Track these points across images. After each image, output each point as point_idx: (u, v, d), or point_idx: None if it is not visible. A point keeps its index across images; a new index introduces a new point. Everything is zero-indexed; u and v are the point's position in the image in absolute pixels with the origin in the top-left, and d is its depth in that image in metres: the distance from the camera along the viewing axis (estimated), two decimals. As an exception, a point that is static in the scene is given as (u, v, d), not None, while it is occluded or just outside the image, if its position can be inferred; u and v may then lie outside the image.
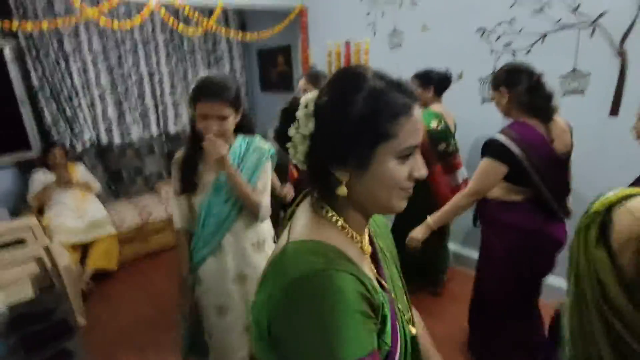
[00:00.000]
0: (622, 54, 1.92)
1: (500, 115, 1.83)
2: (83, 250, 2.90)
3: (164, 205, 3.41)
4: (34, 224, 2.62)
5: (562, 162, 1.57)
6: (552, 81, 2.16)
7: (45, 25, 2.23)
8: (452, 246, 2.87)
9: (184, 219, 1.42)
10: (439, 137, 2.16)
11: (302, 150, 0.59)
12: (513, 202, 1.61)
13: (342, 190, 0.58)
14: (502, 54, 2.35)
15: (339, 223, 0.61)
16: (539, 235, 1.58)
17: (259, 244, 1.48)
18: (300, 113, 0.59)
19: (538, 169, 1.49)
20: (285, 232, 0.63)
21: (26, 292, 2.03)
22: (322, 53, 3.50)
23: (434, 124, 2.16)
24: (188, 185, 1.37)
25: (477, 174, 1.57)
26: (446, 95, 2.67)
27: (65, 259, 2.40)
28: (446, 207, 1.68)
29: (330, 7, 3.31)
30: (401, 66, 2.91)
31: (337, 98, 0.57)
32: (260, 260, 1.47)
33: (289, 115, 0.62)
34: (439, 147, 2.17)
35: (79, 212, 2.97)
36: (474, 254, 2.71)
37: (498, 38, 2.35)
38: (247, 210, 1.40)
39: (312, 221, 0.61)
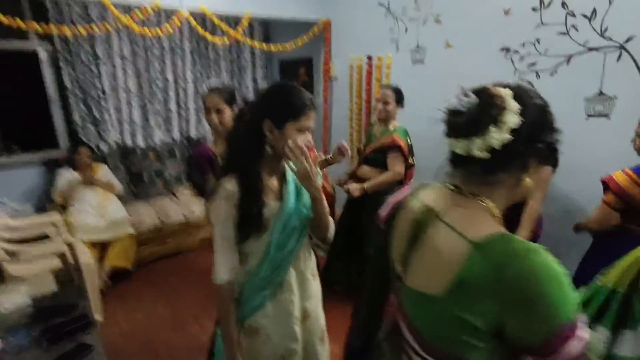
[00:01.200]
0: (649, 79, 1.90)
1: None
2: (102, 248, 2.97)
3: (181, 208, 3.48)
4: (58, 220, 2.72)
5: None
6: (577, 103, 2.16)
7: (81, 30, 2.34)
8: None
9: (234, 270, 1.10)
10: (411, 152, 2.46)
11: (498, 139, 0.64)
12: None
13: (528, 182, 0.69)
14: (525, 74, 2.35)
15: (495, 213, 0.69)
16: None
17: (314, 271, 1.27)
18: (507, 105, 0.65)
19: None
20: (452, 235, 0.68)
21: (49, 285, 2.09)
22: (343, 66, 3.55)
23: (408, 140, 2.43)
24: (252, 228, 1.08)
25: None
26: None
27: (86, 256, 2.46)
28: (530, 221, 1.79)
29: (354, 21, 3.37)
30: (423, 82, 2.94)
31: (540, 107, 0.70)
32: (317, 289, 1.28)
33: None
34: (410, 161, 2.46)
35: (100, 211, 3.05)
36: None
37: (522, 58, 2.35)
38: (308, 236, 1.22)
39: (477, 216, 0.69)
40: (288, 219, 1.12)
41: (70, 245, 2.27)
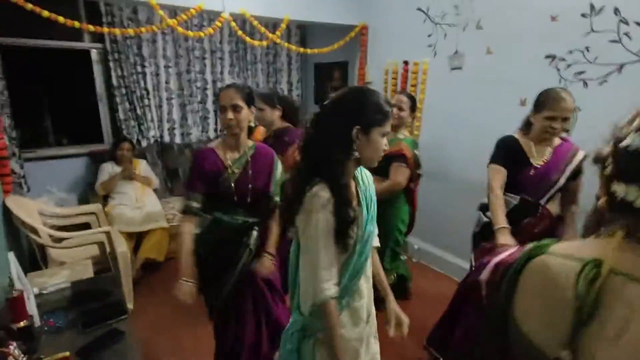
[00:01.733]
0: None
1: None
2: (137, 239, 3.10)
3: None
4: (99, 210, 2.86)
5: None
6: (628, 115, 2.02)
7: (131, 31, 2.47)
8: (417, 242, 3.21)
9: (337, 284, 1.06)
10: (418, 163, 2.44)
11: None
12: None
13: None
14: (572, 82, 2.24)
15: None
16: None
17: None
18: None
19: None
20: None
21: (87, 271, 2.20)
22: (379, 70, 3.52)
23: (417, 151, 2.41)
24: (349, 237, 1.05)
25: None
26: (506, 123, 2.58)
27: (122, 246, 2.58)
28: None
29: (391, 26, 3.34)
30: (461, 89, 2.86)
31: None
32: (371, 287, 1.25)
33: None
34: (419, 170, 2.47)
35: (138, 204, 3.19)
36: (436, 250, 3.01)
37: (569, 66, 2.24)
38: None
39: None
40: (366, 224, 1.12)
41: (108, 235, 2.39)
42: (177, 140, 3.91)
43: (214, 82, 4.03)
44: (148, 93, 3.62)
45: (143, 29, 2.54)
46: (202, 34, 2.73)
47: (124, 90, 3.51)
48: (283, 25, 3.06)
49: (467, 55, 2.79)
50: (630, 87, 2.01)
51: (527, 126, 1.90)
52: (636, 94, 1.97)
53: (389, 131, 1.11)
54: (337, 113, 1.07)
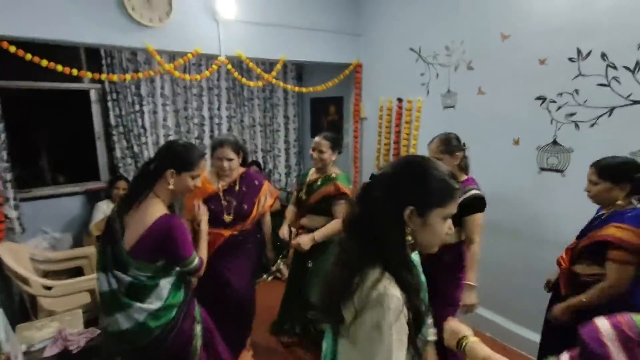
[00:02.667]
0: (703, 136, 1.77)
1: (558, 184, 1.76)
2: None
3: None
4: (92, 253, 2.82)
5: None
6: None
7: (128, 77, 2.51)
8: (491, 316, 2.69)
9: None
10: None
11: None
12: None
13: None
14: (563, 124, 2.27)
15: None
16: None
17: None
18: None
19: None
20: None
21: (77, 322, 2.14)
22: (374, 107, 3.57)
23: (350, 186, 2.40)
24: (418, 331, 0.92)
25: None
26: (500, 162, 2.60)
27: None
28: (474, 264, 1.95)
29: (385, 64, 3.41)
30: (454, 127, 2.89)
31: None
32: None
33: None
34: None
35: (132, 244, 3.15)
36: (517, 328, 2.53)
37: (559, 108, 2.27)
38: None
39: None
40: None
41: (101, 280, 2.34)
42: (174, 176, 3.91)
43: (210, 118, 4.07)
44: (145, 131, 3.65)
45: (140, 75, 2.59)
46: (198, 77, 2.78)
47: (121, 129, 3.53)
48: (278, 66, 3.12)
49: (460, 94, 2.84)
50: (621, 129, 2.03)
51: None
52: (627, 136, 2.00)
53: (454, 212, 0.92)
54: (388, 188, 0.89)
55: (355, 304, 0.83)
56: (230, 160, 2.12)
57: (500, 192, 2.62)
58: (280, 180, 4.67)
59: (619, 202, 1.58)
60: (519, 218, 2.52)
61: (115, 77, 2.49)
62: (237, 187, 2.23)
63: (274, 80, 3.16)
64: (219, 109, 4.09)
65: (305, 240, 2.22)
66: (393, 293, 0.81)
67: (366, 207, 0.91)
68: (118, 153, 3.55)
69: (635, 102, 1.97)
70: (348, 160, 3.99)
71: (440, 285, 1.70)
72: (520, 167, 2.50)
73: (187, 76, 2.76)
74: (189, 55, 2.64)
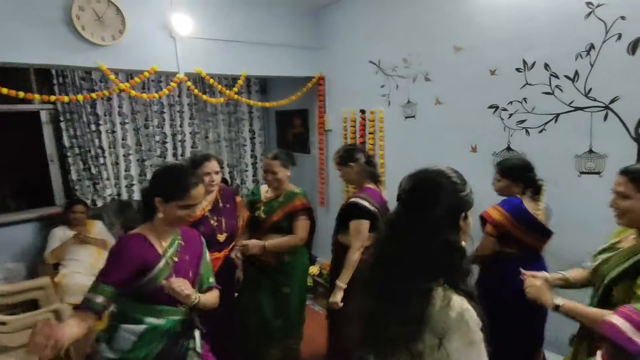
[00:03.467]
0: (638, 139, 1.91)
1: None
2: (92, 310, 2.88)
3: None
4: (47, 284, 2.66)
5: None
6: (567, 160, 2.16)
7: (80, 98, 2.41)
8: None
9: None
10: None
11: None
12: None
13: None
14: (515, 131, 2.38)
15: None
16: None
17: None
18: None
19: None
20: None
21: (34, 358, 2.00)
22: (338, 119, 3.62)
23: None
24: None
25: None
26: (460, 168, 2.68)
27: (73, 323, 2.37)
28: (347, 268, 2.05)
29: (346, 77, 3.47)
30: (415, 136, 2.98)
31: None
32: None
33: None
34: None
35: (93, 271, 2.98)
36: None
37: (511, 115, 2.39)
38: None
39: None
40: None
41: (57, 313, 2.21)
42: (136, 196, 3.77)
43: (173, 135, 3.97)
44: (103, 151, 3.51)
45: (94, 95, 2.49)
46: (156, 96, 2.71)
47: (77, 150, 3.37)
48: (240, 82, 3.10)
49: (419, 104, 2.93)
50: (566, 134, 2.16)
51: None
52: (571, 140, 2.13)
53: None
54: (445, 199, 0.93)
55: (435, 330, 0.82)
56: (217, 173, 2.11)
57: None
58: (248, 194, 4.60)
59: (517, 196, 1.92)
60: (475, 223, 2.60)
61: (66, 99, 2.39)
62: (220, 204, 2.19)
63: (236, 96, 3.14)
64: (181, 125, 4.00)
65: (254, 243, 2.15)
66: (467, 306, 0.83)
67: (416, 223, 0.91)
68: (74, 175, 3.38)
69: (577, 109, 2.10)
70: (314, 172, 4.00)
71: None
72: (479, 173, 2.56)
73: (144, 95, 2.69)
74: (146, 73, 2.57)
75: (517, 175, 1.94)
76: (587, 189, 2.10)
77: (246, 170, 4.57)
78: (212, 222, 2.12)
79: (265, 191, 2.36)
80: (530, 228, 1.86)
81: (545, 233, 1.89)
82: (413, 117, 2.98)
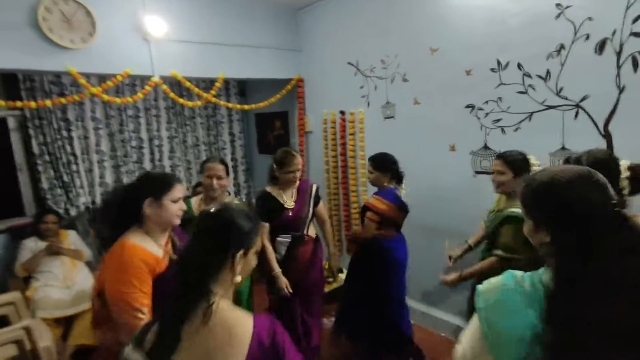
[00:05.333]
0: (606, 136, 1.98)
1: (490, 186, 2.04)
2: (66, 323, 2.77)
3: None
4: (17, 299, 2.54)
5: None
6: (541, 157, 2.21)
7: (49, 103, 2.32)
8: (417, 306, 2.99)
9: None
10: None
11: None
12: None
13: None
14: (491, 129, 2.43)
15: None
16: None
17: None
18: None
19: None
20: None
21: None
22: (318, 120, 3.61)
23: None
24: None
25: None
26: (439, 167, 2.73)
27: (46, 339, 2.27)
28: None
29: (325, 78, 3.47)
30: (395, 136, 3.00)
31: None
32: None
33: None
34: None
35: (67, 282, 2.88)
36: (440, 314, 2.91)
37: (487, 115, 2.43)
38: None
39: None
40: None
41: (28, 330, 2.10)
42: (112, 204, 3.65)
43: (150, 140, 3.87)
44: (76, 158, 3.38)
45: (63, 100, 2.40)
46: (131, 100, 2.64)
47: (47, 158, 3.24)
48: (217, 84, 3.05)
49: (398, 105, 2.95)
50: (540, 132, 2.22)
51: (273, 179, 2.40)
52: (545, 138, 2.18)
53: None
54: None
55: None
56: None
57: (439, 196, 2.75)
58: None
59: (385, 184, 2.39)
60: (456, 219, 2.64)
61: (33, 104, 2.28)
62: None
63: (213, 100, 3.09)
64: (158, 130, 3.91)
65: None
66: None
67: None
68: (45, 184, 3.25)
69: (549, 107, 2.16)
70: (297, 174, 3.97)
71: None
72: (457, 171, 2.64)
73: (118, 99, 2.60)
74: (119, 77, 2.49)
75: (385, 167, 2.38)
76: (561, 185, 2.16)
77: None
78: None
79: (197, 205, 2.20)
80: (404, 211, 2.43)
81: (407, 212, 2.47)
82: (392, 117, 3.00)
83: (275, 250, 2.36)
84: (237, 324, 0.94)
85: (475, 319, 0.91)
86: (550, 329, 0.76)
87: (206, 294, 0.95)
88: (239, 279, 1.02)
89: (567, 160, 1.50)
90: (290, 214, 2.34)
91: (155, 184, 1.41)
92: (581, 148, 2.06)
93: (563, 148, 2.14)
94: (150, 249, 1.38)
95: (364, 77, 3.13)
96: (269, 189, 2.40)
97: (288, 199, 2.36)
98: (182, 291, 0.97)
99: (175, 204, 1.42)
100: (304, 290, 2.37)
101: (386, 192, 2.36)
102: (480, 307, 0.88)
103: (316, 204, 2.45)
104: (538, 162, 1.92)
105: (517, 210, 1.74)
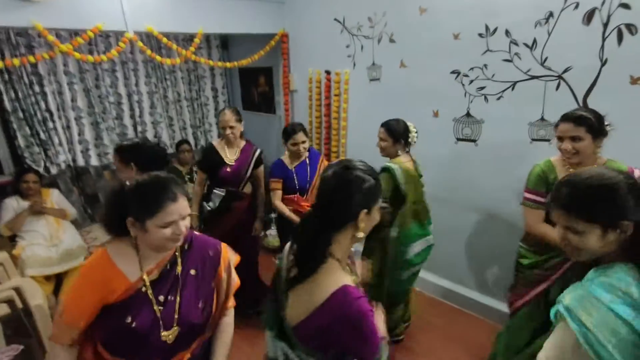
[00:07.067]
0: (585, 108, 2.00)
1: (472, 153, 1.96)
2: (57, 281, 2.86)
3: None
4: (5, 258, 2.58)
5: None
6: (521, 127, 2.26)
7: (16, 62, 2.19)
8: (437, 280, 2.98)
9: None
10: None
11: None
12: None
13: None
14: (475, 97, 2.43)
15: None
16: None
17: None
18: None
19: None
20: None
21: (-4, 338, 1.99)
22: (303, 79, 3.52)
23: None
24: None
25: None
26: (422, 133, 2.74)
27: (37, 298, 2.35)
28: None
29: (311, 35, 3.33)
30: (380, 99, 2.97)
31: None
32: None
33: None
34: None
35: (53, 241, 2.92)
36: (458, 288, 2.87)
37: (471, 82, 2.42)
38: None
39: None
40: None
41: (18, 289, 2.17)
42: (94, 162, 3.60)
43: (128, 95, 3.73)
44: (52, 115, 3.27)
45: (32, 58, 2.26)
46: (104, 58, 2.50)
47: (21, 114, 3.12)
48: (197, 40, 2.90)
49: (384, 67, 2.88)
50: (522, 102, 2.23)
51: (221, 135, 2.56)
52: (527, 108, 2.21)
53: None
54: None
55: None
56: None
57: (422, 162, 2.79)
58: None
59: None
60: (440, 185, 2.72)
61: (0, 64, 2.15)
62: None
63: (193, 57, 2.95)
64: (137, 84, 3.76)
65: None
66: None
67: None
68: (21, 142, 3.16)
69: (532, 77, 2.16)
70: (280, 133, 3.94)
71: None
72: (440, 138, 2.67)
73: (90, 57, 2.47)
74: (90, 32, 2.35)
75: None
76: (537, 155, 2.21)
77: (210, 131, 4.44)
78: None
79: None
80: None
81: None
82: (378, 79, 2.95)
83: (210, 199, 2.55)
84: (323, 285, 0.96)
85: (567, 336, 0.86)
86: None
87: (324, 256, 0.97)
88: (360, 235, 1.01)
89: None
90: (229, 169, 2.49)
91: (140, 201, 1.08)
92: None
93: (542, 119, 2.17)
94: (122, 268, 1.12)
95: (351, 35, 3.02)
96: (215, 142, 2.57)
97: (230, 156, 2.51)
98: (302, 254, 1.00)
99: (164, 229, 1.08)
100: (237, 238, 2.37)
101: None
102: (578, 329, 0.83)
103: (256, 166, 2.59)
104: (415, 130, 2.20)
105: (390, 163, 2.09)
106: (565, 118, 1.64)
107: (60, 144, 3.37)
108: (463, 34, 2.38)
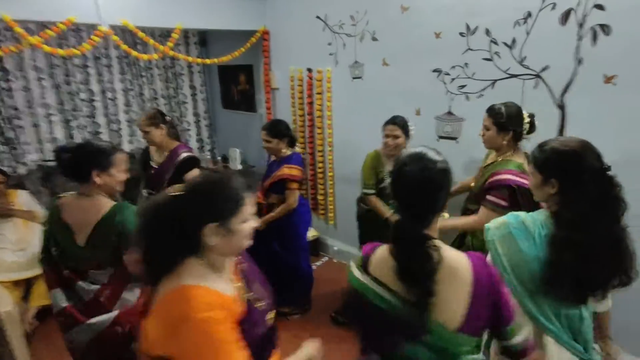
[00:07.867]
0: (561, 107, 2.07)
1: (453, 151, 2.20)
2: (26, 286, 2.71)
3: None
4: (-31, 265, 2.42)
5: None
6: (500, 125, 2.29)
7: (-20, 54, 2.06)
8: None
9: None
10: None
11: None
12: None
13: None
14: (456, 95, 2.46)
15: None
16: None
17: None
18: None
19: None
20: None
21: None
22: (284, 77, 3.48)
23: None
24: None
25: None
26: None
27: (6, 304, 2.23)
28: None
29: (292, 33, 3.30)
30: (362, 97, 2.97)
31: None
32: None
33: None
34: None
35: (21, 245, 2.77)
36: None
37: (452, 80, 2.45)
38: None
39: None
40: None
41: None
42: (65, 161, 3.43)
43: (102, 92, 3.59)
44: (19, 112, 3.10)
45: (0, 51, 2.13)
46: (77, 52, 2.39)
47: (-15, 112, 2.95)
48: (175, 36, 2.82)
49: (366, 65, 2.89)
50: (502, 100, 2.23)
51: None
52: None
53: None
54: None
55: None
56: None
57: (405, 160, 2.81)
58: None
59: (283, 151, 2.55)
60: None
61: (-38, 54, 2.01)
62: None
63: (171, 53, 2.87)
64: (111, 81, 3.62)
65: None
66: None
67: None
68: (-14, 141, 2.99)
69: (512, 76, 2.21)
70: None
71: None
72: (421, 136, 2.67)
73: (61, 51, 2.35)
74: (61, 25, 2.23)
75: (282, 134, 2.51)
76: (516, 152, 2.27)
77: (188, 130, 4.33)
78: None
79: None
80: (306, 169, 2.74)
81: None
82: (360, 78, 2.95)
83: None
84: (459, 265, 0.96)
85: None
86: (555, 250, 1.12)
87: (425, 239, 0.95)
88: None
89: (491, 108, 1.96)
90: (152, 172, 2.47)
91: (225, 201, 0.96)
92: (538, 117, 2.16)
93: (521, 117, 2.22)
94: (217, 287, 0.95)
95: (333, 33, 3.01)
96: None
97: (157, 159, 2.47)
98: (404, 243, 0.97)
99: (245, 225, 0.99)
100: None
101: (294, 156, 2.59)
102: (492, 239, 1.22)
103: (183, 171, 2.32)
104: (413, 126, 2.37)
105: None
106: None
107: (29, 143, 3.21)
108: (444, 33, 2.41)
